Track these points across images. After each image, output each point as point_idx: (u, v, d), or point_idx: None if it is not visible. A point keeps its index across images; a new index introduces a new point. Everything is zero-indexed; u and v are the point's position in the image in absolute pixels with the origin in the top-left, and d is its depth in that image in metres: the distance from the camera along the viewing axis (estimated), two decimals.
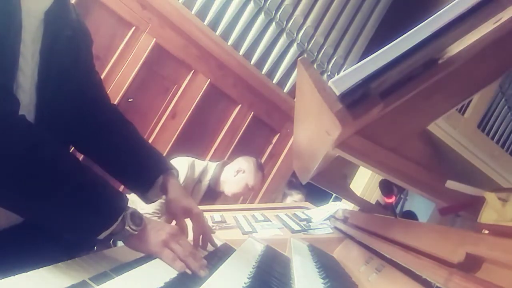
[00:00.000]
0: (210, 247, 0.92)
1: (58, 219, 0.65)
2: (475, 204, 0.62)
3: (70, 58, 0.80)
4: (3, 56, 0.64)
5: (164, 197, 0.93)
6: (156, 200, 0.95)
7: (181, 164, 2.16)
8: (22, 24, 0.67)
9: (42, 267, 0.51)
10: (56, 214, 0.64)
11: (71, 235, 0.68)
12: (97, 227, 0.66)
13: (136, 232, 0.70)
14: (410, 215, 2.95)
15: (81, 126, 0.88)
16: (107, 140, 0.92)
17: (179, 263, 0.69)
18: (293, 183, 2.75)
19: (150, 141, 2.44)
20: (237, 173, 2.24)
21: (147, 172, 0.91)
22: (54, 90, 0.76)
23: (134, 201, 0.87)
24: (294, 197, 2.72)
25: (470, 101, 3.02)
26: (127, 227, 0.69)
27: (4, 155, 0.58)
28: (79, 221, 0.66)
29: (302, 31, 2.72)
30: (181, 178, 2.12)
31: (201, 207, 1.96)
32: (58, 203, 0.63)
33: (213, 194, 2.26)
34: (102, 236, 0.67)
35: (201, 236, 0.91)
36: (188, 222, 0.91)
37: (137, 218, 0.70)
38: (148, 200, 0.83)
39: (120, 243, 0.73)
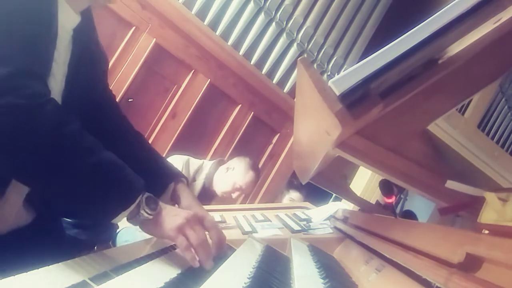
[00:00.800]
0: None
1: (77, 196, 0.66)
2: (475, 204, 0.63)
3: (93, 72, 0.85)
4: (43, 51, 0.67)
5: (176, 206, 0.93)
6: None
7: (176, 162, 2.15)
8: (57, 33, 0.70)
9: (42, 267, 0.51)
10: (76, 189, 0.65)
11: (88, 215, 0.70)
12: (114, 207, 0.68)
13: (151, 217, 0.71)
14: (410, 215, 2.95)
15: (96, 134, 0.89)
16: (118, 147, 0.93)
17: (190, 253, 0.70)
18: (293, 183, 2.73)
19: (150, 141, 2.44)
20: (227, 171, 2.22)
21: (158, 179, 0.91)
22: (76, 99, 0.79)
23: None
24: (292, 195, 2.70)
25: (470, 101, 3.01)
26: (142, 211, 0.70)
27: (34, 131, 0.61)
28: (97, 199, 0.67)
29: (302, 31, 2.72)
30: None
31: None
32: (79, 178, 0.65)
33: (208, 194, 2.23)
34: (118, 218, 0.68)
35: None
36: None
37: (152, 202, 0.72)
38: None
39: (120, 243, 0.74)
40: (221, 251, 0.89)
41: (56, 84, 0.73)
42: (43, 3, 0.67)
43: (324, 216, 1.59)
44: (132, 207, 0.69)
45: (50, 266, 0.52)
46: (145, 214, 0.71)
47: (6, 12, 0.62)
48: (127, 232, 1.92)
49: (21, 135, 0.59)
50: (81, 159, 0.65)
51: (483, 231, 0.58)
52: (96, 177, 0.66)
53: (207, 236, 0.80)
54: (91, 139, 0.68)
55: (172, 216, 0.74)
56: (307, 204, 2.06)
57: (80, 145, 0.66)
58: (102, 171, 0.67)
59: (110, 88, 1.09)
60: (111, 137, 0.92)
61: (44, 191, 0.68)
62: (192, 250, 0.72)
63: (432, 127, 0.91)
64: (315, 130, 0.86)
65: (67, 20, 0.74)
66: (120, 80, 2.24)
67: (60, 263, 0.55)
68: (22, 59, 0.63)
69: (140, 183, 0.72)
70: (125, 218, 0.72)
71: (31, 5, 0.65)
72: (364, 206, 1.42)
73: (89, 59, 0.82)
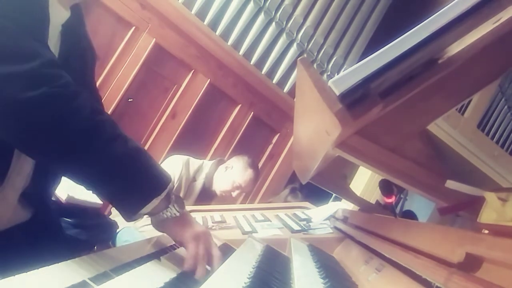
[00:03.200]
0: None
1: (115, 178, 0.67)
2: (475, 204, 0.62)
3: (81, 69, 0.84)
4: (45, 40, 0.68)
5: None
6: (138, 218, 0.92)
7: (176, 162, 2.15)
8: (49, 30, 0.71)
9: (42, 267, 0.51)
10: (114, 172, 0.67)
11: (124, 199, 0.70)
12: (148, 192, 0.69)
13: (178, 214, 0.73)
14: (409, 215, 2.95)
15: None
16: None
17: (192, 262, 0.71)
18: (295, 191, 2.67)
19: (150, 141, 2.45)
20: (226, 170, 2.22)
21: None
22: None
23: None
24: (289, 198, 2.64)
25: (470, 101, 3.01)
26: (171, 206, 0.72)
27: (73, 115, 0.63)
28: (134, 182, 0.68)
29: (302, 31, 2.72)
30: (175, 176, 2.11)
31: (200, 207, 1.96)
32: (117, 162, 0.66)
33: (208, 194, 2.22)
34: (148, 207, 0.69)
35: None
36: None
37: (180, 201, 0.74)
38: (130, 219, 0.80)
39: (120, 243, 0.74)
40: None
41: None
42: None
43: (324, 216, 1.59)
44: (164, 194, 0.70)
45: (50, 266, 0.52)
46: (174, 210, 0.72)
47: (13, 8, 0.63)
48: (127, 232, 1.92)
49: (62, 122, 0.62)
50: (118, 144, 0.67)
51: (483, 231, 0.58)
52: (132, 162, 0.68)
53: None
54: (118, 127, 0.70)
55: (195, 222, 0.77)
56: (307, 204, 2.06)
57: (116, 131, 0.68)
58: (137, 156, 0.69)
59: (110, 88, 1.08)
60: None
61: (84, 176, 0.69)
62: (195, 260, 0.72)
63: (432, 127, 0.91)
64: (315, 130, 0.86)
65: (56, 15, 0.74)
66: (120, 80, 2.24)
67: (60, 263, 0.55)
68: (45, 51, 0.65)
69: (169, 174, 0.74)
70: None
71: (30, 1, 0.66)
72: (364, 206, 1.42)
73: (78, 56, 0.82)
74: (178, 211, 0.73)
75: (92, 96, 0.93)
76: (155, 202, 0.70)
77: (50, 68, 0.63)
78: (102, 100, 1.05)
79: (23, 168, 0.76)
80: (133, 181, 0.68)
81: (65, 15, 0.77)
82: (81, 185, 0.68)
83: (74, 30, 0.80)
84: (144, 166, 0.70)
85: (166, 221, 0.74)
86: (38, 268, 0.50)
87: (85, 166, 0.66)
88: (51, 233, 0.87)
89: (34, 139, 0.63)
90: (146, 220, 0.78)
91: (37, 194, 0.82)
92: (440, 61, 0.77)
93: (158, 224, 0.75)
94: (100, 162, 0.65)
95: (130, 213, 0.71)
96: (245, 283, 0.64)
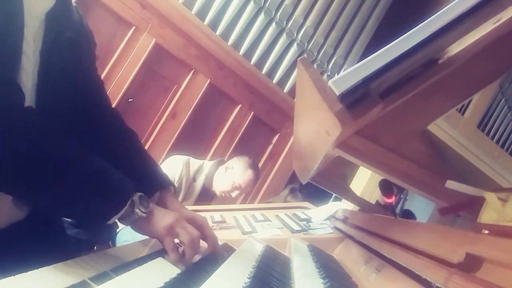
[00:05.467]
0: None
1: (68, 207, 0.67)
2: (475, 204, 0.62)
3: (71, 59, 0.80)
4: (6, 51, 0.65)
5: None
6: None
7: (176, 163, 2.15)
8: (24, 23, 0.67)
9: (42, 267, 0.51)
10: (66, 202, 0.66)
11: (81, 221, 0.71)
12: (106, 212, 0.68)
13: (144, 215, 0.72)
14: (408, 214, 2.95)
15: (80, 129, 0.87)
16: (104, 146, 0.90)
17: (175, 254, 0.71)
18: (295, 191, 2.68)
19: (150, 141, 2.45)
20: (226, 170, 2.22)
21: (143, 186, 0.88)
22: (53, 91, 0.75)
23: None
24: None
25: (470, 101, 3.02)
26: (137, 210, 0.71)
27: (10, 146, 0.60)
28: (88, 207, 0.67)
29: (302, 31, 2.72)
30: (176, 176, 2.11)
31: (200, 207, 1.96)
32: (67, 191, 0.65)
33: (208, 194, 2.23)
34: (111, 221, 0.68)
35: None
36: None
37: (145, 201, 0.73)
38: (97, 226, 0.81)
39: (120, 243, 0.74)
40: (214, 250, 0.88)
41: (28, 78, 0.70)
42: None
43: (324, 216, 1.59)
44: (124, 210, 0.69)
45: (50, 266, 0.52)
46: (140, 213, 0.71)
47: None
48: (127, 232, 1.92)
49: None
50: (67, 172, 0.64)
51: (483, 231, 0.58)
52: (85, 188, 0.66)
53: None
54: (74, 147, 0.68)
55: (164, 214, 0.75)
56: (307, 204, 2.06)
57: (63, 158, 0.65)
58: (91, 181, 0.67)
59: (110, 88, 1.05)
60: (97, 132, 0.90)
61: (35, 204, 0.69)
62: (178, 251, 0.72)
63: (432, 127, 0.91)
64: (315, 130, 0.86)
65: (37, 4, 0.71)
66: (120, 80, 2.24)
67: (60, 263, 0.55)
68: None
69: (130, 186, 0.72)
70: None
71: None
72: (364, 206, 1.42)
73: (67, 44, 0.78)
74: (144, 212, 0.72)
75: (88, 83, 0.88)
76: (116, 216, 0.69)
77: None
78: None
79: None
80: (88, 205, 0.67)
81: (49, 3, 0.74)
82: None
83: (59, 17, 0.76)
84: (99, 188, 0.68)
85: (136, 223, 0.73)
86: (37, 268, 0.50)
87: (33, 195, 0.64)
88: (49, 233, 0.86)
89: None
90: None
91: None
92: (440, 61, 0.77)
93: (131, 226, 0.74)
94: (48, 190, 0.63)
95: (93, 228, 0.71)
96: (245, 283, 0.64)
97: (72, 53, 0.80)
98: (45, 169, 0.63)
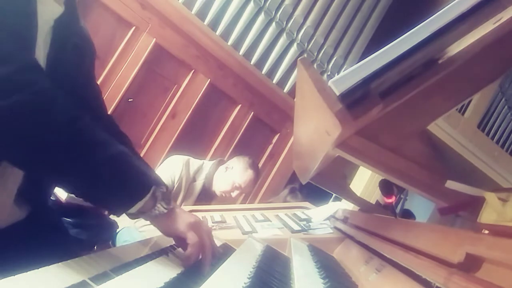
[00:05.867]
0: None
1: (94, 187, 0.67)
2: (475, 204, 0.62)
3: (74, 65, 0.82)
4: (29, 41, 0.66)
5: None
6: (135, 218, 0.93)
7: (176, 163, 2.15)
8: (37, 25, 0.69)
9: (42, 266, 0.51)
10: (93, 181, 0.66)
11: (105, 204, 0.71)
12: (130, 197, 0.69)
13: (166, 211, 0.73)
14: (408, 214, 2.95)
15: None
16: None
17: (196, 251, 0.71)
18: (295, 191, 2.67)
19: (150, 141, 2.45)
20: (226, 170, 2.21)
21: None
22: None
23: None
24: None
25: (470, 101, 3.02)
26: (158, 205, 0.72)
27: (48, 125, 0.61)
28: (114, 190, 0.68)
29: (302, 31, 2.72)
30: (176, 176, 2.11)
31: (200, 207, 1.96)
32: (95, 170, 0.65)
33: (208, 194, 2.22)
34: (134, 208, 0.69)
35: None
36: None
37: (167, 197, 0.74)
38: (132, 216, 0.82)
39: (119, 243, 0.74)
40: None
41: None
42: None
43: (324, 216, 1.59)
44: (147, 197, 0.70)
45: (50, 266, 0.52)
46: (161, 208, 0.72)
47: None
48: (127, 232, 1.92)
49: (36, 132, 0.60)
50: (97, 151, 0.66)
51: (483, 231, 0.58)
52: (112, 169, 0.67)
53: None
54: (102, 132, 0.69)
55: (187, 213, 0.77)
56: (307, 204, 2.06)
57: (94, 137, 0.67)
58: (119, 161, 0.68)
59: (110, 88, 1.07)
60: None
61: (62, 183, 0.69)
62: (198, 249, 0.72)
63: (432, 127, 0.91)
64: (315, 130, 0.86)
65: (48, 11, 0.72)
66: (120, 80, 2.24)
67: (60, 263, 0.55)
68: (20, 54, 0.62)
69: (154, 175, 0.74)
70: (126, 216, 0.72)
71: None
72: (364, 206, 1.42)
73: (71, 51, 0.80)
74: (165, 208, 0.73)
75: (88, 89, 0.90)
76: (140, 204, 0.70)
77: (26, 74, 0.60)
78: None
79: (14, 167, 0.76)
80: (114, 187, 0.68)
81: (58, 10, 0.75)
82: (65, 191, 0.68)
83: (67, 24, 0.78)
84: (124, 171, 0.69)
85: (156, 218, 0.74)
86: (37, 268, 0.50)
87: (63, 175, 0.65)
88: (50, 232, 0.87)
89: (8, 148, 0.61)
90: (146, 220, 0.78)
91: (33, 192, 0.82)
92: (440, 61, 0.77)
93: (151, 222, 0.76)
94: (78, 170, 0.64)
95: (116, 215, 0.71)
96: (245, 283, 0.64)
97: (75, 58, 0.82)
98: (80, 147, 0.64)
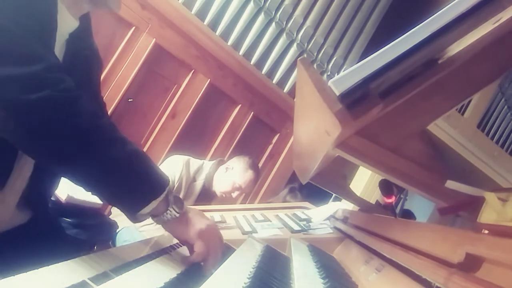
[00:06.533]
0: None
1: (113, 182, 0.68)
2: (475, 204, 0.63)
3: (84, 76, 0.84)
4: (51, 44, 0.70)
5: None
6: (144, 220, 0.92)
7: (176, 163, 2.14)
8: (56, 37, 0.72)
9: (41, 267, 0.51)
10: (112, 176, 0.67)
11: (122, 201, 0.71)
12: (147, 195, 0.70)
13: (178, 215, 0.74)
14: (408, 214, 2.95)
15: None
16: None
17: (199, 259, 0.72)
18: (294, 191, 2.67)
19: (150, 141, 2.45)
20: (226, 170, 2.21)
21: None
22: None
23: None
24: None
25: (470, 101, 3.02)
26: (171, 208, 0.73)
27: (73, 121, 0.64)
28: (132, 185, 0.69)
29: (302, 31, 2.72)
30: (176, 176, 2.11)
31: (200, 207, 1.95)
32: (115, 165, 0.67)
33: (208, 194, 2.22)
34: (147, 209, 0.70)
35: None
36: None
37: (179, 201, 0.75)
38: (135, 220, 0.82)
39: (119, 243, 0.74)
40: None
41: None
42: (47, 5, 0.69)
43: (324, 216, 1.59)
44: (162, 197, 0.71)
45: (50, 266, 0.52)
46: (173, 212, 0.73)
47: (21, 11, 0.64)
48: (127, 232, 1.92)
49: (62, 125, 0.63)
50: (117, 147, 0.68)
51: (483, 231, 0.58)
52: (131, 165, 0.69)
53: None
54: (118, 131, 0.71)
55: (199, 218, 0.77)
56: (307, 204, 2.06)
57: (115, 134, 0.69)
58: (136, 159, 0.70)
59: (110, 88, 1.08)
60: None
61: (83, 178, 0.69)
62: (202, 259, 0.73)
63: (432, 127, 0.91)
64: (315, 130, 0.86)
65: (65, 24, 0.75)
66: (120, 80, 2.24)
67: (60, 263, 0.55)
68: (49, 55, 0.66)
69: (167, 176, 0.74)
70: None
71: (37, 4, 0.67)
72: (364, 206, 1.42)
73: (82, 64, 0.83)
74: (178, 212, 0.74)
75: (95, 101, 0.94)
76: (153, 204, 0.70)
77: (54, 72, 0.64)
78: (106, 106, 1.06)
79: (23, 170, 0.77)
80: (131, 184, 0.69)
81: (74, 24, 0.79)
82: (81, 186, 0.69)
83: (80, 39, 0.81)
84: (142, 169, 0.70)
85: (168, 223, 0.74)
86: (38, 268, 0.50)
87: (84, 168, 0.66)
88: (50, 235, 0.87)
89: (34, 141, 0.63)
90: (146, 220, 0.78)
91: (35, 197, 0.82)
92: (440, 61, 0.77)
93: (163, 226, 0.76)
94: (99, 164, 0.66)
95: (129, 215, 0.71)
96: (245, 283, 0.64)
97: (86, 70, 0.85)
98: (100, 143, 0.66)
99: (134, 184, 0.69)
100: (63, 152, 0.64)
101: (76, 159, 0.65)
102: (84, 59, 0.84)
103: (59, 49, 0.75)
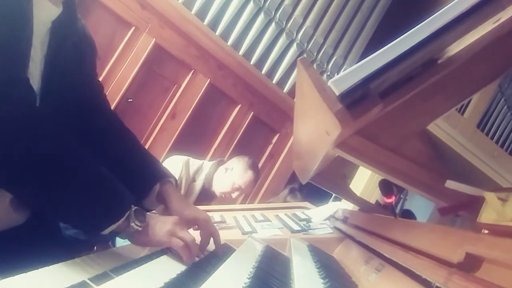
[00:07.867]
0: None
1: (68, 207, 0.67)
2: (475, 204, 0.62)
3: (74, 61, 0.81)
4: (20, 55, 0.66)
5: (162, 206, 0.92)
6: (152, 210, 0.93)
7: (176, 163, 2.14)
8: (33, 29, 0.69)
9: (41, 267, 0.51)
10: (66, 206, 0.66)
11: (78, 225, 0.70)
12: (104, 221, 0.68)
13: (140, 229, 0.72)
14: (408, 214, 2.95)
15: (80, 131, 0.88)
16: (103, 145, 0.92)
17: (187, 252, 0.73)
18: (294, 191, 2.67)
19: (150, 141, 2.45)
20: (226, 171, 2.21)
21: (142, 180, 0.90)
22: (56, 92, 0.77)
23: None
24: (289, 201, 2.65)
25: (469, 101, 3.02)
26: (132, 224, 0.71)
27: (24, 146, 0.61)
28: (88, 211, 0.68)
29: (302, 31, 2.72)
30: (176, 176, 2.10)
31: (200, 208, 1.95)
32: (69, 195, 0.65)
33: (208, 195, 2.22)
34: (107, 231, 0.68)
35: (211, 239, 0.90)
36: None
37: (141, 214, 0.73)
38: (93, 237, 0.82)
39: (119, 243, 0.74)
40: (219, 246, 0.89)
41: (34, 82, 0.71)
42: (15, 2, 0.65)
43: (324, 216, 1.59)
44: (121, 221, 0.69)
45: (49, 266, 0.52)
46: (135, 227, 0.72)
47: None
48: None
49: (11, 147, 0.59)
50: (78, 172, 0.66)
51: (483, 231, 0.58)
52: (89, 190, 0.67)
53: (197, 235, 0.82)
54: (78, 154, 0.68)
55: (162, 224, 0.75)
56: (307, 204, 2.06)
57: (75, 158, 0.67)
58: (95, 185, 0.68)
59: (110, 88, 1.07)
60: (98, 132, 0.92)
61: (34, 201, 0.69)
62: (188, 250, 0.73)
63: (432, 127, 0.91)
64: (315, 130, 0.86)
65: (45, 13, 0.72)
66: (120, 80, 2.24)
67: (59, 263, 0.55)
68: (6, 67, 0.61)
69: (130, 198, 0.73)
70: None
71: (2, 7, 0.63)
72: (364, 206, 1.42)
73: (70, 51, 0.80)
74: (139, 226, 0.72)
75: (89, 87, 0.91)
76: (112, 227, 0.69)
77: (16, 87, 0.61)
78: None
79: None
80: (89, 209, 0.68)
81: (56, 11, 0.75)
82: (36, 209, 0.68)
83: (65, 25, 0.77)
84: (101, 196, 0.69)
85: (133, 236, 0.74)
86: (37, 269, 0.50)
87: (38, 196, 0.65)
88: (48, 236, 0.87)
89: None
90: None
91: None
92: (440, 61, 0.77)
93: (130, 240, 0.75)
94: (55, 190, 0.64)
95: (88, 236, 0.71)
96: (245, 283, 0.64)
97: (74, 56, 0.82)
98: (51, 171, 0.63)
99: (92, 210, 0.68)
100: (13, 179, 0.62)
101: (28, 183, 0.63)
102: (73, 46, 0.80)
103: (40, 39, 0.72)
